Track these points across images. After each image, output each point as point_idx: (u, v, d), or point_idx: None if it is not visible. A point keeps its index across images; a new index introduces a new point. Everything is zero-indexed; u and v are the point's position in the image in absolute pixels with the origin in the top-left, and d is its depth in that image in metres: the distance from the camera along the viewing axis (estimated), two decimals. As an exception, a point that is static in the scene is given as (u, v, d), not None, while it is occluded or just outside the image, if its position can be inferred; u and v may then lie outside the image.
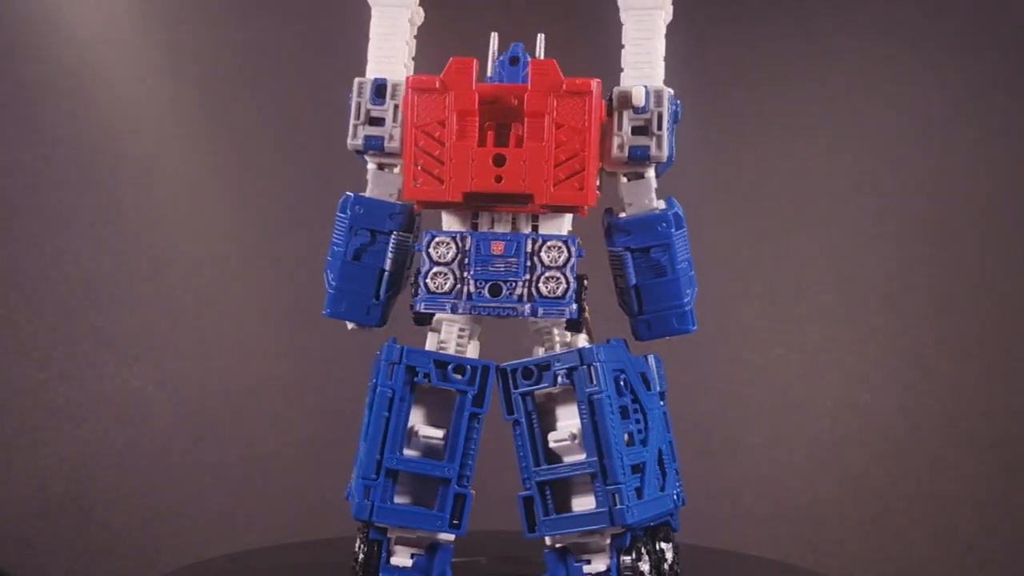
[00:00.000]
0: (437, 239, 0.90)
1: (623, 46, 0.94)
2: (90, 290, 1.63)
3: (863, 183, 1.86)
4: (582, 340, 0.94)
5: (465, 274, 0.89)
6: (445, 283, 0.89)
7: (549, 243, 0.90)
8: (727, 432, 1.86)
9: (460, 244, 0.90)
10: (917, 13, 1.85)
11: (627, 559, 0.89)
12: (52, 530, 1.58)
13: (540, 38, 0.94)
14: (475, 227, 0.92)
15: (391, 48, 0.93)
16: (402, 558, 0.88)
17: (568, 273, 0.90)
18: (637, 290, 0.94)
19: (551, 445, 0.89)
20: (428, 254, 0.90)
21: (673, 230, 0.94)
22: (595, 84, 0.89)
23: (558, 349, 0.93)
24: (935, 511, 1.80)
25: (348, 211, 0.93)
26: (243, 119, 1.76)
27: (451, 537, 0.90)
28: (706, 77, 1.91)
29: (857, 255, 1.85)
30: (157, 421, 1.66)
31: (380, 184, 0.95)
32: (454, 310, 0.89)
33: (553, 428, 0.91)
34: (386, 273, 0.92)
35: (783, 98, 1.89)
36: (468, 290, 0.89)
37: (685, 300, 0.95)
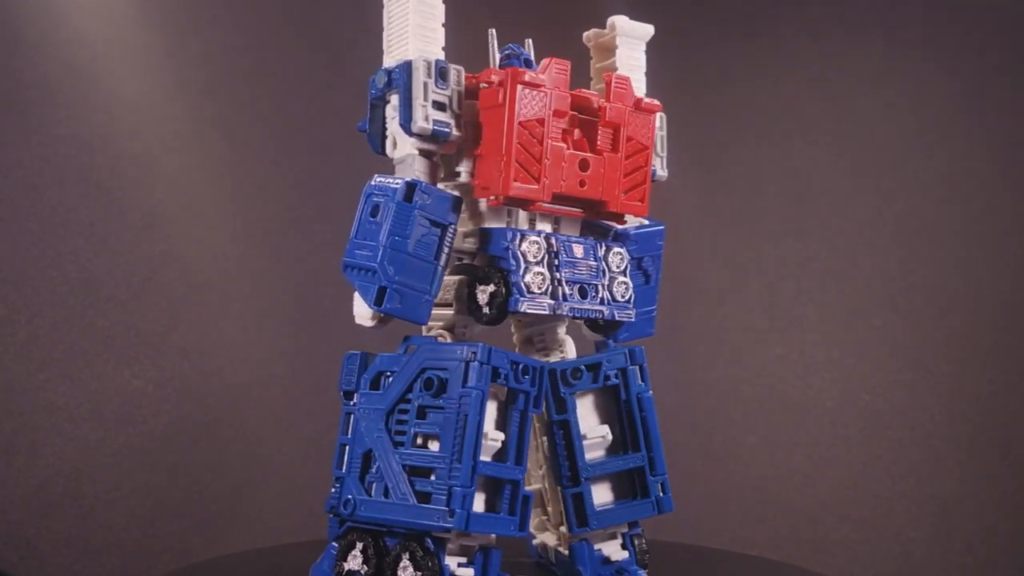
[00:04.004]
0: (530, 238, 0.88)
1: (616, 69, 0.97)
2: (90, 290, 1.63)
3: (863, 183, 1.86)
4: (569, 342, 0.96)
5: (557, 275, 0.88)
6: (544, 284, 0.87)
7: (614, 249, 0.92)
8: (727, 432, 1.86)
9: (547, 245, 0.88)
10: (918, 15, 1.85)
11: (640, 543, 0.95)
12: (52, 530, 1.57)
13: (528, 43, 0.95)
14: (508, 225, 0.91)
15: (432, 30, 0.89)
16: (455, 567, 0.84)
17: (629, 278, 0.92)
18: None
19: (588, 442, 0.92)
20: (522, 253, 0.87)
21: (663, 243, 0.99)
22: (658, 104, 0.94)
23: (552, 350, 0.95)
24: (935, 511, 1.80)
25: (416, 199, 0.85)
26: (243, 119, 1.76)
27: (492, 538, 0.88)
28: (706, 77, 1.91)
29: (857, 255, 1.85)
30: (157, 421, 1.66)
31: (425, 172, 0.89)
32: (552, 311, 0.87)
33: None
34: (439, 268, 0.87)
35: (784, 99, 1.89)
36: (564, 291, 0.88)
37: (655, 306, 0.99)
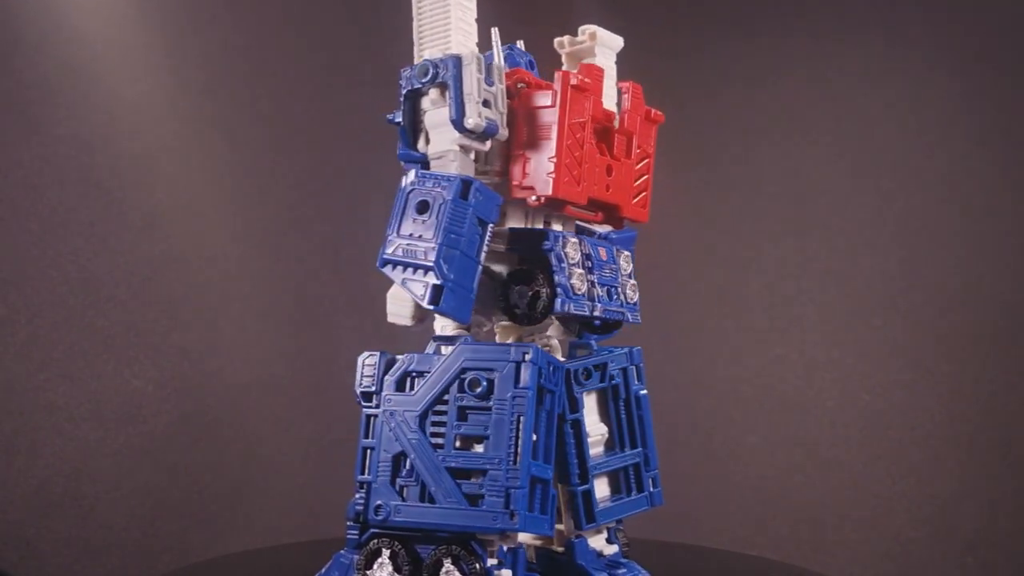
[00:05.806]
0: (571, 240, 0.88)
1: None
2: (90, 290, 1.63)
3: (863, 183, 1.86)
4: (556, 343, 0.96)
5: (591, 277, 0.89)
6: (583, 285, 0.88)
7: (624, 253, 0.94)
8: (727, 432, 1.86)
9: (582, 247, 0.89)
10: (918, 15, 1.85)
11: (623, 537, 0.97)
12: (52, 530, 1.57)
13: (520, 44, 0.96)
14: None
15: (470, 24, 0.87)
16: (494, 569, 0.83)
17: (635, 280, 0.94)
18: None
19: (590, 439, 0.93)
20: (566, 254, 0.88)
21: (634, 248, 1.01)
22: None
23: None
24: (935, 511, 1.80)
25: (471, 196, 0.82)
26: (243, 119, 1.76)
27: (518, 538, 0.87)
28: (706, 77, 1.91)
29: (857, 255, 1.85)
30: (157, 421, 1.66)
31: (467, 169, 0.86)
32: (590, 312, 0.88)
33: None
34: (479, 267, 0.84)
35: (784, 99, 1.89)
36: (597, 293, 0.89)
37: None
